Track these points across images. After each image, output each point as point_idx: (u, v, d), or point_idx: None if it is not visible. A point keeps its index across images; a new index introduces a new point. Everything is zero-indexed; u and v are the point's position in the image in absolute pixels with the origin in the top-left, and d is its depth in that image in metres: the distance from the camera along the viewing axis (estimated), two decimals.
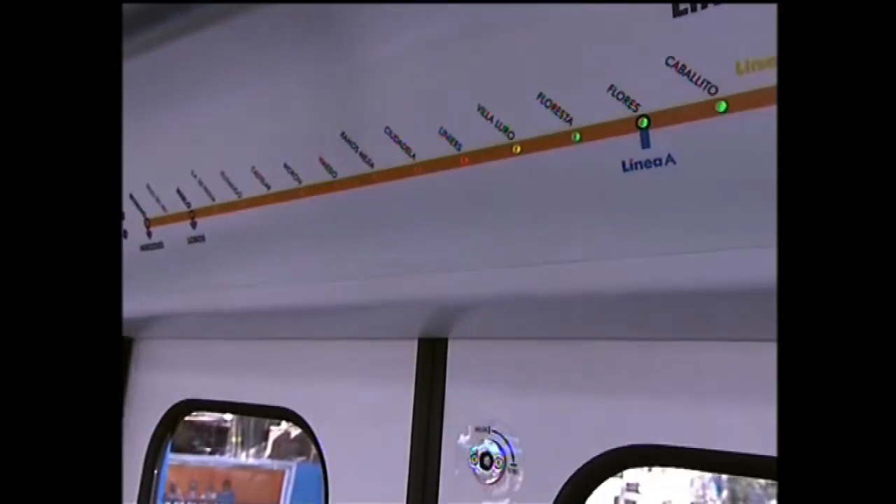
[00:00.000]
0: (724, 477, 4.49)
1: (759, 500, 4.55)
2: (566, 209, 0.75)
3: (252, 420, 7.76)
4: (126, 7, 0.72)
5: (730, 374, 0.86)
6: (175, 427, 1.52)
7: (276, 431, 7.85)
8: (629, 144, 0.68)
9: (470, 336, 1.10)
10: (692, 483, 4.70)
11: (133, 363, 1.56)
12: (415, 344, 1.15)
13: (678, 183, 0.67)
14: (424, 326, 1.08)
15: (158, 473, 1.49)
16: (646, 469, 4.91)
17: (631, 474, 4.73)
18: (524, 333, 1.03)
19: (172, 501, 5.87)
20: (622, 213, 0.72)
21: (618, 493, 4.75)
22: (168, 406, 1.48)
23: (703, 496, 4.62)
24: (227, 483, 6.56)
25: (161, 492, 1.51)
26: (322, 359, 1.27)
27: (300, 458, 6.88)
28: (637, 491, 4.74)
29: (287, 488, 6.42)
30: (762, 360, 0.83)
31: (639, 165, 0.68)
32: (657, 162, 0.67)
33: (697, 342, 0.89)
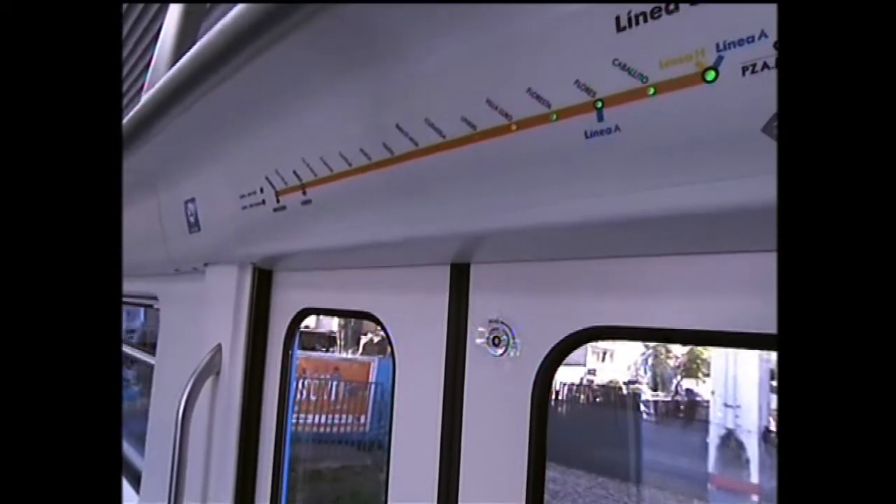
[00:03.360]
0: (650, 362, 4.45)
1: (670, 375, 4.49)
2: (547, 167, 0.71)
3: (350, 331, 7.96)
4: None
5: (663, 279, 0.83)
6: (300, 325, 1.54)
7: (364, 339, 8.05)
8: (590, 119, 0.64)
9: (485, 261, 1.07)
10: (629, 367, 4.66)
11: (273, 287, 1.58)
12: (448, 268, 1.13)
13: (623, 144, 0.63)
14: (454, 255, 1.05)
15: (291, 354, 1.52)
16: (600, 361, 4.88)
17: (590, 363, 4.71)
18: (522, 257, 1.00)
19: (303, 379, 6.11)
20: (586, 167, 0.68)
21: (582, 374, 4.74)
22: (294, 312, 1.50)
23: (636, 374, 4.58)
24: (336, 369, 6.81)
25: (294, 367, 1.54)
26: (388, 279, 1.25)
27: (380, 356, 7.05)
28: (594, 374, 4.73)
29: (373, 372, 6.65)
30: (688, 266, 0.80)
31: (596, 134, 0.64)
32: (608, 130, 0.63)
33: (645, 258, 0.85)
